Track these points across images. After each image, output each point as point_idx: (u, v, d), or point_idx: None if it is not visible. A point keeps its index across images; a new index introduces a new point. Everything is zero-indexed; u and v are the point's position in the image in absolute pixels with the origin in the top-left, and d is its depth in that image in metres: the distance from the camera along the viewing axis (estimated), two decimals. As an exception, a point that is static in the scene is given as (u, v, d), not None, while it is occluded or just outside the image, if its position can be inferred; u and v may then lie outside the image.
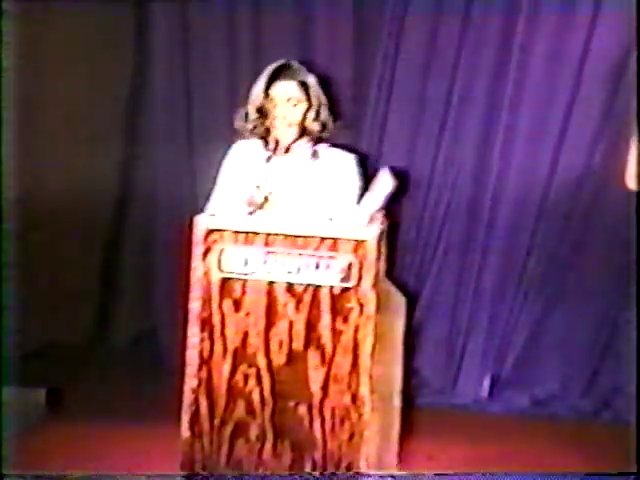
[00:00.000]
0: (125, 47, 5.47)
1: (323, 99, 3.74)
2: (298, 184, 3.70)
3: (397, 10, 5.03)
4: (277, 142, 3.69)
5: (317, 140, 3.76)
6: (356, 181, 3.75)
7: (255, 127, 3.72)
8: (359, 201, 3.61)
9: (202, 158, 5.00)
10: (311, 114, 3.70)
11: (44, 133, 5.11)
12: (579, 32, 4.87)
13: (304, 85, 3.69)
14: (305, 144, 3.73)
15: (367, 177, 3.79)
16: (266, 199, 3.62)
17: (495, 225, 5.03)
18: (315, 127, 3.72)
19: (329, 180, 3.71)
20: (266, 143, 3.71)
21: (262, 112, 3.70)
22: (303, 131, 3.71)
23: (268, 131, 3.71)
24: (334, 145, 3.79)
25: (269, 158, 3.67)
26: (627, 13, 4.57)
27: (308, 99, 3.69)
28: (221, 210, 3.63)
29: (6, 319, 4.53)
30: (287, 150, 3.71)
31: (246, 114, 3.73)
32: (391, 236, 3.50)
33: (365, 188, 3.71)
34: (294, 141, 3.71)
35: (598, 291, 4.95)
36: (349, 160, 3.77)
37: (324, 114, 3.73)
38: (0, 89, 4.56)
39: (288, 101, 3.65)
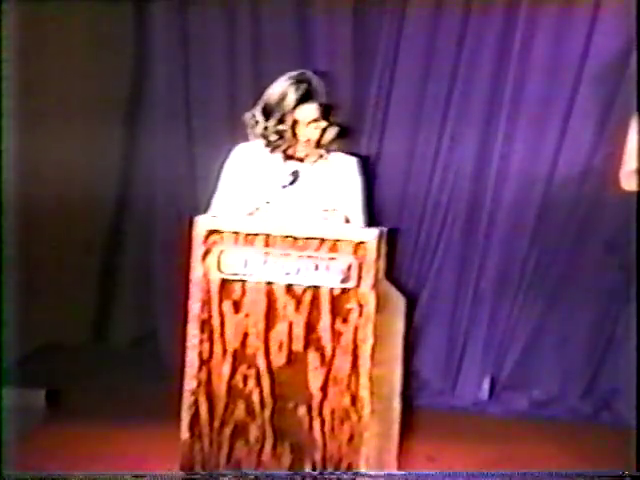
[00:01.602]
0: (125, 47, 5.47)
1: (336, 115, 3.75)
2: (305, 188, 3.70)
3: (396, 13, 5.03)
4: (289, 154, 3.70)
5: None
6: (358, 183, 3.76)
7: (270, 135, 3.71)
8: (362, 203, 3.68)
9: (202, 159, 5.01)
10: (330, 132, 3.70)
11: (43, 133, 5.11)
12: (579, 32, 4.88)
13: (323, 104, 3.68)
14: (319, 151, 3.74)
15: (370, 180, 3.80)
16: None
17: (495, 226, 5.03)
18: (330, 143, 3.72)
19: (333, 183, 3.72)
20: (276, 148, 3.71)
21: (274, 116, 3.69)
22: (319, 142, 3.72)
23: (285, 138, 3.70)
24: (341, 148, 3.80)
25: (295, 174, 3.69)
26: (627, 13, 4.57)
27: (326, 117, 3.69)
28: (224, 213, 3.63)
29: (6, 320, 4.53)
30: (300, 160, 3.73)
31: (263, 120, 3.71)
32: (391, 237, 3.49)
33: (367, 190, 3.74)
34: (307, 154, 3.72)
35: (598, 292, 4.95)
36: (352, 163, 3.78)
37: (338, 130, 3.73)
38: (0, 90, 4.56)
39: (309, 124, 3.66)
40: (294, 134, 3.66)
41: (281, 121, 3.65)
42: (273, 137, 3.68)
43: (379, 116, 5.12)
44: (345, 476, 3.40)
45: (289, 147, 3.69)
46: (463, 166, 5.07)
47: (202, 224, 3.42)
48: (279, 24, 5.18)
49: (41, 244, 5.19)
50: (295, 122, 3.65)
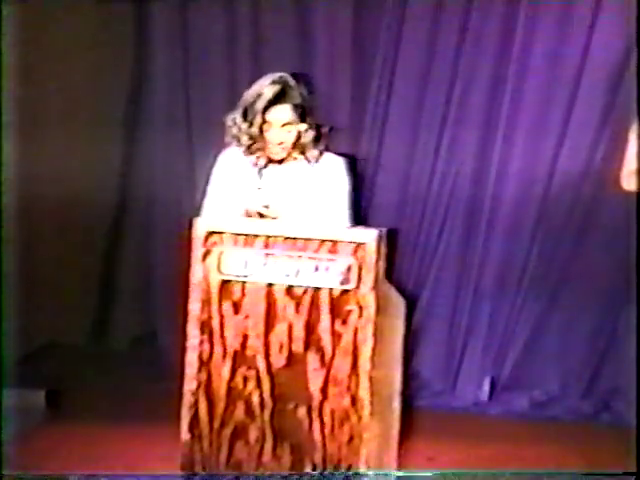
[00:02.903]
0: (125, 47, 5.47)
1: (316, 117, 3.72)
2: (293, 190, 3.70)
3: (396, 14, 5.03)
4: (269, 158, 3.70)
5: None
6: (345, 184, 3.76)
7: (241, 137, 3.70)
8: (348, 204, 3.70)
9: (201, 160, 4.99)
10: (307, 135, 3.69)
11: (43, 135, 5.11)
12: (579, 32, 4.88)
13: (298, 106, 3.66)
14: (298, 154, 3.73)
15: (361, 180, 3.79)
16: (265, 209, 3.62)
17: (494, 227, 5.03)
18: (310, 144, 3.71)
19: (320, 183, 3.71)
20: (249, 150, 3.70)
21: (248, 118, 3.68)
22: (297, 145, 3.70)
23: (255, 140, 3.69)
24: (327, 149, 3.79)
25: (262, 168, 3.68)
26: (627, 13, 4.57)
27: (303, 120, 3.67)
28: (215, 216, 3.63)
29: (6, 320, 4.53)
30: (280, 161, 3.72)
31: (240, 121, 3.70)
32: (390, 238, 3.49)
33: (355, 190, 3.75)
34: (286, 156, 3.71)
35: (598, 292, 4.95)
36: (338, 163, 3.77)
37: (317, 132, 3.71)
38: (0, 92, 4.56)
39: (283, 127, 3.64)
40: (262, 136, 3.64)
41: (252, 123, 3.64)
42: (244, 139, 3.67)
43: (379, 116, 5.11)
44: (345, 477, 3.39)
45: (260, 149, 3.67)
46: (463, 166, 5.07)
47: (202, 225, 3.42)
48: (279, 24, 5.18)
49: (41, 245, 5.19)
50: (267, 123, 3.63)
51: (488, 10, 4.96)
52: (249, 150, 3.70)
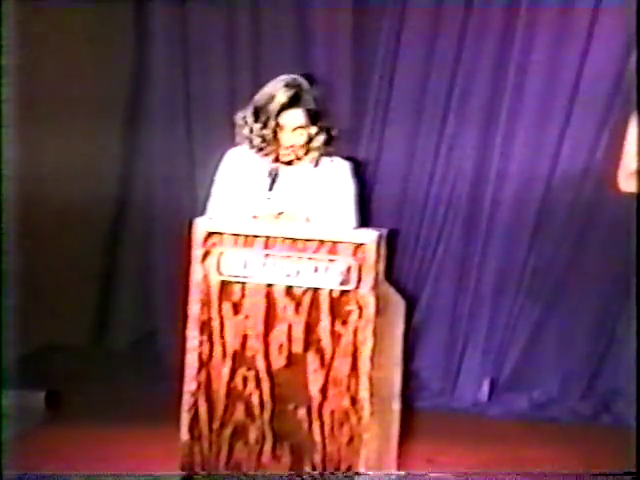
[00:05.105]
0: (125, 47, 5.48)
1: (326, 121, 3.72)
2: (300, 193, 3.70)
3: (396, 14, 5.04)
4: (275, 158, 3.69)
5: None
6: (351, 187, 3.75)
7: (254, 139, 3.69)
8: (354, 207, 3.70)
9: (201, 160, 5.01)
10: (317, 138, 3.68)
11: (44, 135, 5.11)
12: (579, 32, 4.88)
13: (311, 110, 3.66)
14: (305, 156, 3.73)
15: (364, 184, 3.79)
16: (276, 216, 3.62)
17: (494, 227, 5.03)
18: (319, 147, 3.70)
19: (325, 187, 3.71)
20: (261, 152, 3.70)
21: (261, 119, 3.67)
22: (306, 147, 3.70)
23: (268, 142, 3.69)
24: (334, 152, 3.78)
25: (275, 176, 3.68)
26: (627, 13, 4.57)
27: (315, 123, 3.66)
28: (220, 216, 3.62)
29: (6, 321, 4.53)
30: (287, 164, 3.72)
31: (252, 122, 3.70)
32: (390, 239, 3.48)
33: (360, 194, 3.74)
34: (295, 159, 3.70)
35: (597, 294, 4.95)
36: (344, 167, 3.77)
37: (328, 135, 3.70)
38: (0, 91, 4.55)
39: (294, 130, 3.63)
40: (276, 139, 3.64)
41: (266, 125, 3.63)
42: (256, 140, 3.66)
43: (379, 117, 5.11)
44: (345, 477, 3.39)
45: (272, 151, 3.67)
46: (463, 166, 5.08)
47: (202, 226, 3.42)
48: (279, 25, 5.18)
49: (41, 245, 5.18)
50: (279, 127, 3.62)
51: (488, 10, 4.96)
52: (260, 152, 3.69)
